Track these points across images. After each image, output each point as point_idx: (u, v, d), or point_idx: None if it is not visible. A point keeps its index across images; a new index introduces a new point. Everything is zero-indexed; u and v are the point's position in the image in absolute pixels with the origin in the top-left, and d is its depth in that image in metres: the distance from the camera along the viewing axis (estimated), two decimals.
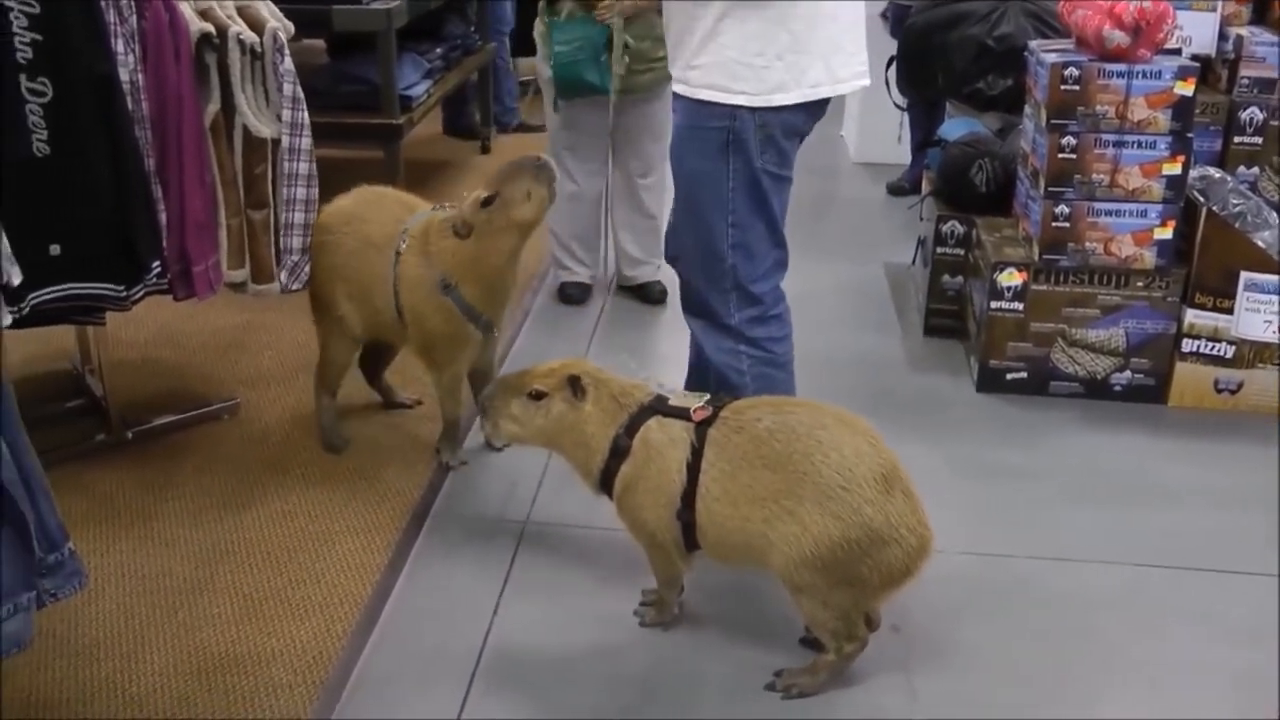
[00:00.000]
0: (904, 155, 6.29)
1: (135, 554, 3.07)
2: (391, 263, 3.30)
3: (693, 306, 3.07)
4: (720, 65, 2.79)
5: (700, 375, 3.12)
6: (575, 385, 2.62)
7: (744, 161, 2.85)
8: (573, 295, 4.72)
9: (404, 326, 3.34)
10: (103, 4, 2.94)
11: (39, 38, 2.81)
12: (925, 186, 4.86)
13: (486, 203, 3.16)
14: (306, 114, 3.29)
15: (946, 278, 4.40)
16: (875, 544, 2.37)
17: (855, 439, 2.42)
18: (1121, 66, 3.75)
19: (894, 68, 5.30)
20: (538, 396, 2.64)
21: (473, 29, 6.50)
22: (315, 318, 3.54)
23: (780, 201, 2.99)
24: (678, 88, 2.89)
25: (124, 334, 4.14)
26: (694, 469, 2.51)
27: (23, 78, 2.82)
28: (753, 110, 2.80)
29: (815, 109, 2.91)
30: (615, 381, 2.68)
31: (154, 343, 4.26)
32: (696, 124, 2.86)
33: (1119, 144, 3.80)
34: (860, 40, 2.93)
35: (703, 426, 2.52)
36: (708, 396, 2.62)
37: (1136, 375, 3.95)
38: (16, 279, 2.28)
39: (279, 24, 3.28)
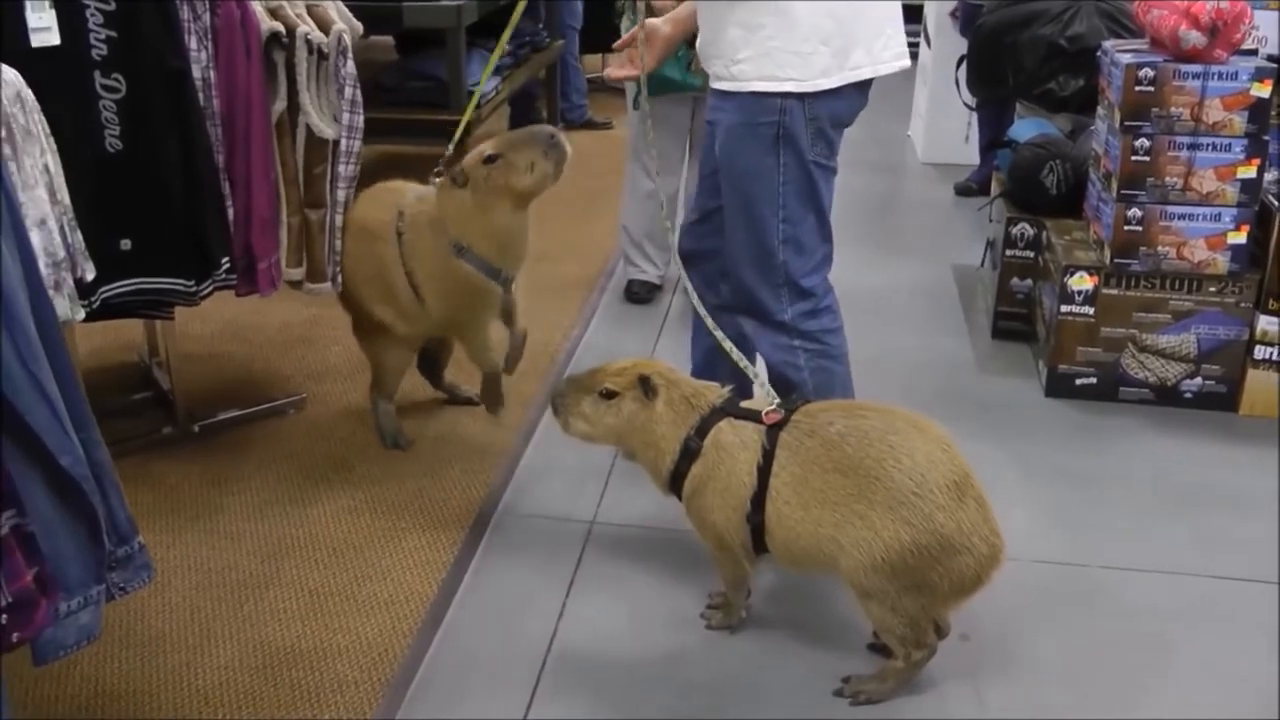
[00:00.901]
0: (972, 155, 6.23)
1: (201, 547, 3.09)
2: (395, 245, 3.30)
3: (743, 306, 3.02)
4: (765, 56, 2.77)
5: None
6: (647, 385, 2.61)
7: (795, 155, 2.83)
8: (639, 294, 4.71)
9: (423, 305, 3.32)
10: (177, 0, 2.97)
11: (114, 34, 2.84)
12: (994, 188, 4.81)
13: (489, 160, 3.16)
14: (362, 118, 3.30)
15: (1016, 280, 4.35)
16: (946, 551, 2.34)
17: (928, 445, 2.39)
18: (1197, 67, 3.68)
19: (963, 67, 5.24)
20: (609, 395, 2.63)
21: (541, 26, 6.52)
22: (356, 333, 3.57)
23: (828, 194, 2.99)
24: (721, 85, 2.87)
25: (191, 328, 4.17)
26: (765, 472, 2.49)
27: (97, 74, 2.85)
28: (801, 99, 2.78)
29: (858, 95, 2.90)
30: (687, 382, 2.67)
31: (221, 337, 4.29)
32: (748, 120, 2.83)
33: (1193, 146, 3.73)
34: (899, 23, 2.93)
35: (774, 429, 2.50)
36: (779, 400, 2.59)
37: (1208, 382, 3.88)
38: (90, 275, 2.31)
39: (345, 26, 3.29)
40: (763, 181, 2.86)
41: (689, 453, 2.59)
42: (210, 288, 3.17)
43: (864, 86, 2.90)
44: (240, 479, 3.40)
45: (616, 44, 3.29)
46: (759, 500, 2.50)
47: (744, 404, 2.60)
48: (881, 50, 2.87)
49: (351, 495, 3.32)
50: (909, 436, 2.40)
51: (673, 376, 2.66)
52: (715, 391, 2.64)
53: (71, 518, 2.10)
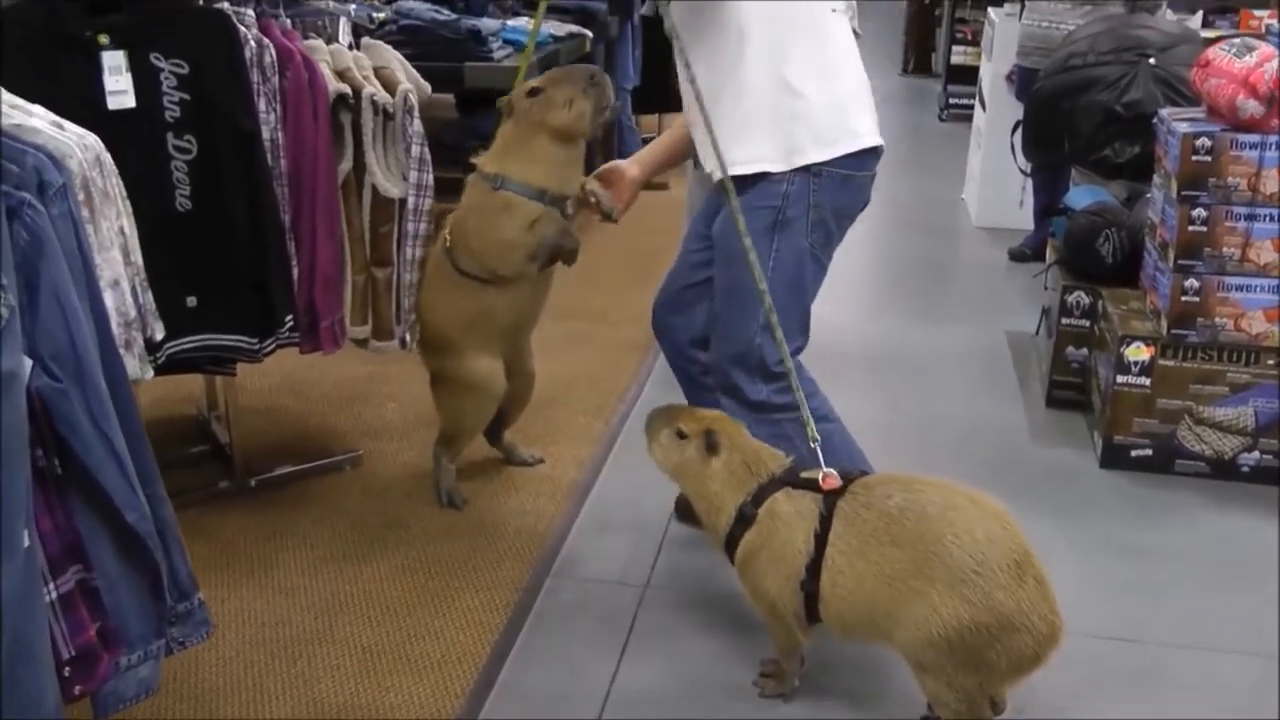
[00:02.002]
0: (1026, 220, 6.22)
1: (255, 601, 3.12)
2: (443, 247, 3.37)
3: (721, 384, 3.06)
4: (750, 145, 2.84)
5: None
6: (709, 439, 2.64)
7: (789, 242, 2.87)
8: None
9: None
10: (248, 63, 3.03)
11: (187, 97, 2.91)
12: (1049, 254, 4.80)
13: (531, 93, 3.22)
14: (431, 175, 3.35)
15: (1071, 349, 4.33)
16: (1005, 630, 2.32)
17: (988, 522, 2.38)
18: (1255, 137, 3.67)
19: (1019, 132, 5.25)
20: (681, 435, 2.70)
21: None
22: (436, 388, 3.57)
23: (815, 287, 3.01)
24: (729, 171, 2.90)
25: (249, 382, 4.22)
26: (821, 540, 2.50)
27: (169, 135, 2.92)
28: (801, 184, 2.83)
29: (858, 189, 2.94)
30: (752, 448, 2.68)
31: (279, 391, 4.34)
32: (748, 202, 2.86)
33: (1250, 217, 3.71)
34: (867, 105, 2.95)
35: (831, 497, 2.51)
36: (837, 468, 2.60)
37: (1265, 456, 3.84)
38: (160, 334, 2.35)
39: (411, 85, 3.35)
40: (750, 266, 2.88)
41: (744, 519, 2.60)
42: (273, 345, 3.22)
43: (863, 179, 2.93)
44: (295, 534, 3.44)
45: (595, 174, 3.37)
46: (814, 569, 2.50)
47: (804, 474, 2.61)
48: (856, 124, 2.90)
49: (405, 553, 3.34)
50: (969, 513, 2.39)
51: (740, 439, 2.68)
52: (777, 460, 2.66)
53: (135, 573, 2.14)
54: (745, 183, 2.86)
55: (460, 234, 3.34)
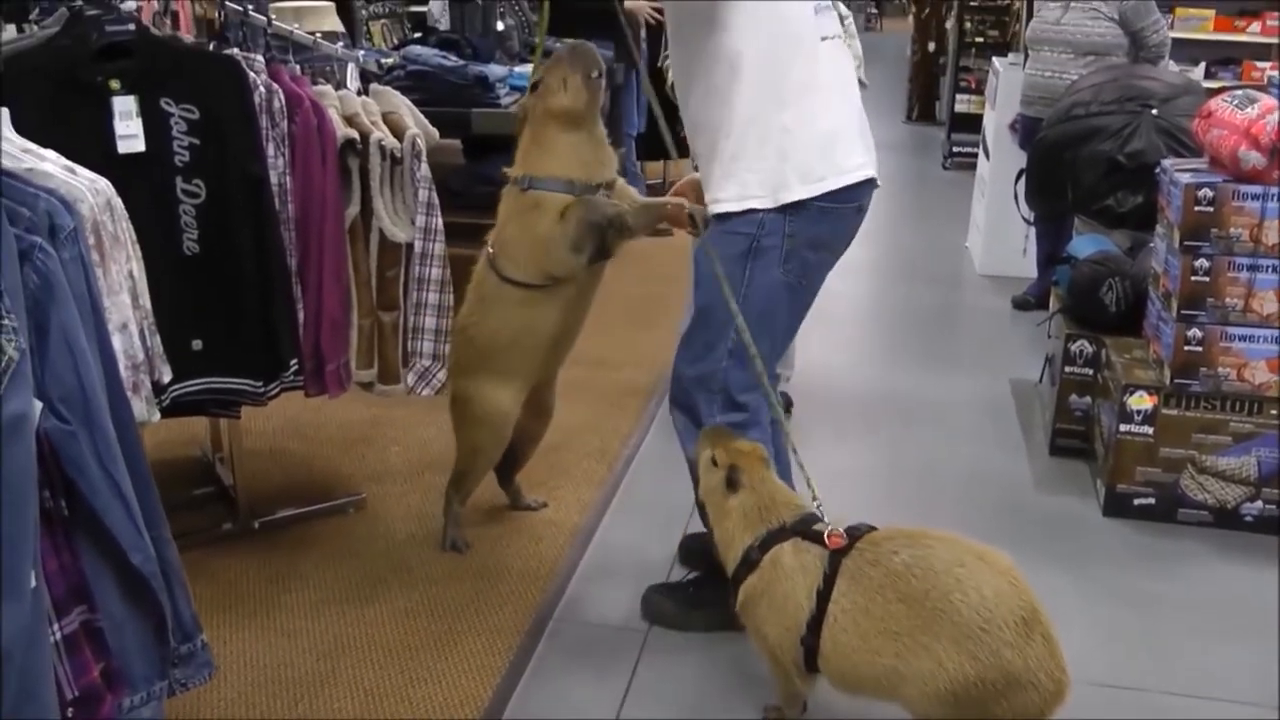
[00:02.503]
0: (1030, 269, 6.24)
1: (257, 643, 3.12)
2: (487, 261, 3.36)
3: (678, 401, 3.07)
4: (733, 177, 2.86)
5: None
6: (730, 476, 2.66)
7: (763, 271, 2.87)
8: None
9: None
10: (257, 108, 3.07)
11: (196, 142, 2.94)
12: (1053, 303, 4.82)
13: (533, 89, 3.25)
14: (440, 219, 3.37)
15: (1074, 397, 4.34)
16: (1011, 687, 2.31)
17: (996, 579, 2.37)
18: (1257, 189, 3.69)
19: (1022, 181, 5.28)
20: (714, 463, 2.71)
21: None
22: (456, 415, 3.53)
23: (790, 320, 3.02)
24: (711, 208, 2.93)
25: (254, 424, 4.23)
26: (824, 597, 2.49)
27: (179, 179, 2.95)
28: (781, 213, 2.84)
29: (839, 220, 2.93)
30: (771, 491, 2.68)
31: (283, 434, 4.35)
32: (725, 228, 2.90)
33: (1253, 268, 3.73)
34: (856, 131, 2.95)
35: (837, 555, 2.50)
36: (846, 525, 2.60)
37: (1269, 506, 3.83)
38: (167, 377, 2.37)
39: (419, 130, 3.38)
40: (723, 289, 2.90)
41: (747, 563, 2.61)
42: (278, 388, 3.23)
43: (844, 211, 2.93)
44: (298, 577, 3.44)
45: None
46: (815, 625, 2.50)
47: (818, 526, 2.60)
48: (845, 160, 2.90)
49: (408, 596, 3.34)
50: (976, 569, 2.37)
51: (761, 482, 2.69)
52: (792, 508, 2.65)
53: (139, 614, 2.14)
54: (729, 213, 2.88)
55: (501, 242, 3.33)
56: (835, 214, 2.90)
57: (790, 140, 2.81)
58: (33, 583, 1.75)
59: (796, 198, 2.83)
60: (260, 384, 3.18)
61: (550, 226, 3.22)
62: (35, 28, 3.05)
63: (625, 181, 3.43)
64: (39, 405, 1.80)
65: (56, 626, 1.98)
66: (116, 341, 2.24)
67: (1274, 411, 3.77)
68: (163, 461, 4.01)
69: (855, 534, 2.54)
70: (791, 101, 2.81)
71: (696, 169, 3.06)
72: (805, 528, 2.59)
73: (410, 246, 3.37)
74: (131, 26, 2.90)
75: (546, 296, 3.33)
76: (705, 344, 2.95)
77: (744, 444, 2.75)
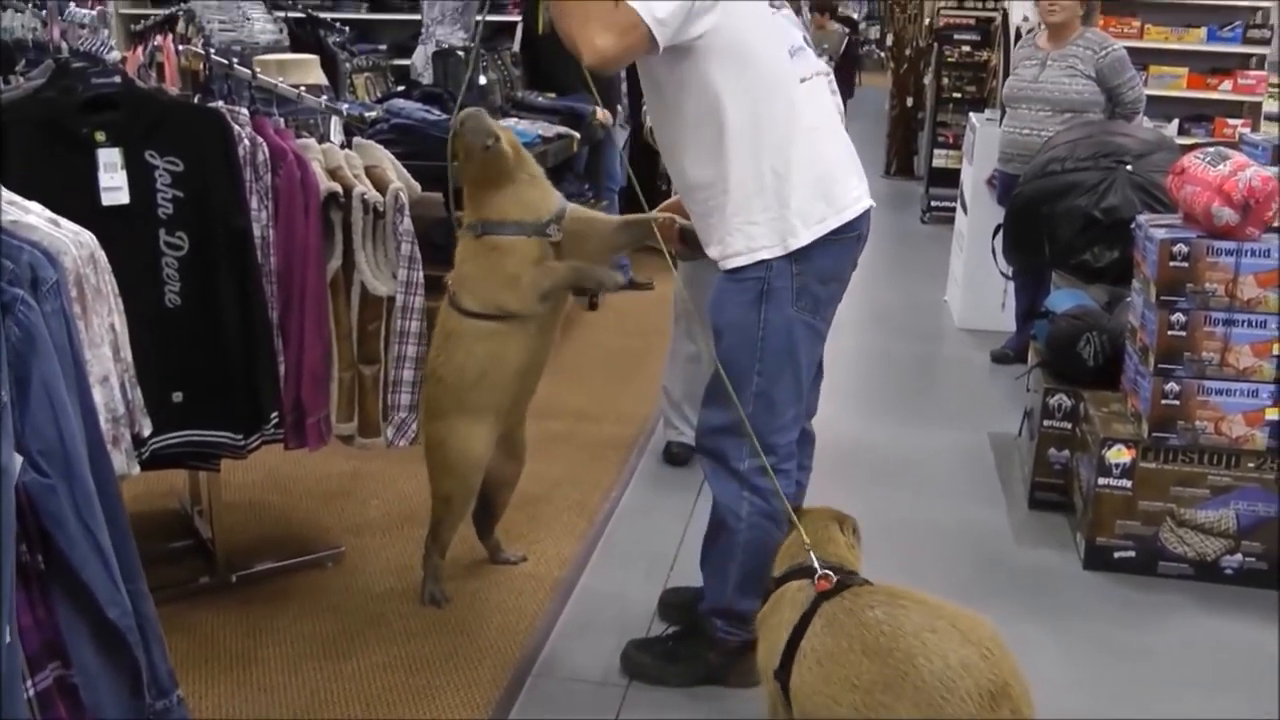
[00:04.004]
0: (1008, 323, 6.27)
1: (234, 698, 3.09)
2: (448, 300, 3.41)
3: (705, 446, 3.09)
4: (738, 230, 2.89)
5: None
6: (799, 513, 2.80)
7: (777, 311, 2.90)
8: (678, 455, 4.71)
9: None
10: (241, 161, 3.08)
11: (180, 194, 2.95)
12: (1031, 357, 4.84)
13: (452, 155, 3.37)
14: (421, 273, 3.39)
15: (1053, 451, 4.36)
16: None
17: (965, 648, 2.31)
18: (1231, 244, 3.73)
19: (1000, 236, 5.32)
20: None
21: (586, 186, 6.67)
22: (431, 457, 3.52)
23: (810, 356, 3.03)
24: (721, 264, 2.96)
25: (233, 477, 4.21)
26: (798, 632, 2.50)
27: (162, 232, 2.96)
28: (785, 259, 2.87)
29: (841, 249, 2.96)
30: (820, 539, 2.71)
31: (262, 487, 4.33)
32: (734, 279, 2.93)
33: (1229, 322, 3.76)
34: (848, 166, 3.00)
35: (821, 597, 2.51)
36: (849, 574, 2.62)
37: (1248, 559, 3.85)
38: (147, 430, 2.36)
39: (401, 185, 3.40)
40: (743, 335, 2.93)
41: (767, 593, 2.70)
42: (258, 441, 3.22)
43: (846, 241, 2.96)
44: (276, 631, 3.41)
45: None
46: (789, 659, 2.50)
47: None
48: (842, 196, 2.94)
49: (387, 651, 3.32)
50: (947, 636, 2.33)
51: (815, 529, 2.74)
52: (829, 549, 2.68)
53: (115, 670, 2.13)
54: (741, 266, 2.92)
55: (460, 279, 3.38)
56: (838, 246, 2.94)
57: (787, 186, 2.84)
58: (7, 638, 1.74)
59: (804, 242, 2.86)
60: (240, 437, 3.18)
61: (516, 267, 3.30)
62: (21, 79, 3.06)
63: (583, 207, 3.47)
64: (19, 459, 1.79)
65: (30, 683, 1.96)
66: (97, 394, 2.24)
67: (1252, 465, 3.79)
68: (140, 514, 3.99)
69: (846, 583, 2.54)
70: (780, 148, 2.84)
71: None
72: (825, 569, 2.61)
73: (392, 300, 3.38)
74: (117, 79, 2.92)
75: (508, 328, 3.36)
76: (730, 392, 2.96)
77: (832, 509, 2.84)
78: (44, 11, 4.69)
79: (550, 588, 3.68)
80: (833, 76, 3.12)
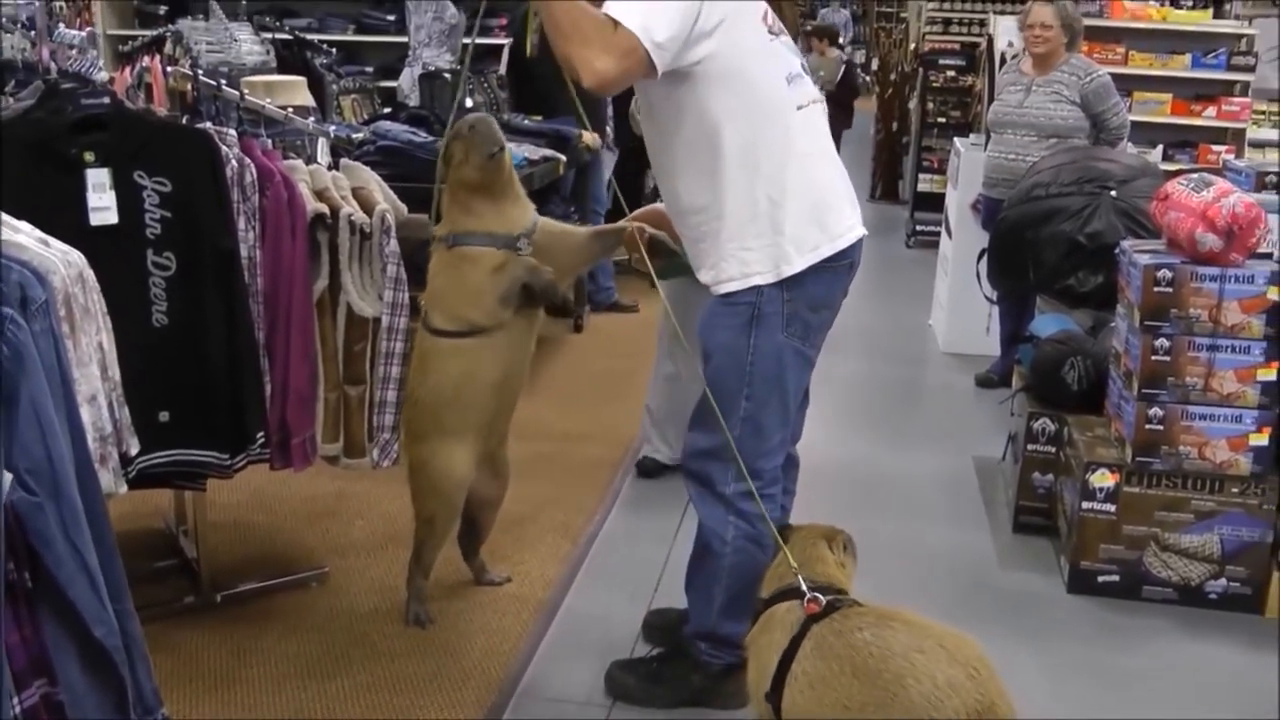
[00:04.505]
0: (993, 347, 6.29)
1: (219, 717, 3.08)
2: (422, 320, 3.43)
3: (691, 470, 3.10)
4: (731, 257, 2.90)
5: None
6: (783, 530, 2.81)
7: (767, 337, 2.91)
8: (649, 470, 4.76)
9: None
10: (229, 182, 3.08)
11: (168, 214, 2.96)
12: (1015, 381, 4.86)
13: (445, 159, 3.40)
14: (407, 295, 3.39)
15: (1037, 475, 4.37)
16: None
17: (953, 669, 2.33)
18: (1214, 270, 3.75)
19: (984, 260, 5.35)
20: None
21: (572, 209, 6.68)
22: (414, 479, 3.53)
23: (798, 382, 3.05)
24: (713, 289, 2.98)
25: (218, 497, 4.19)
26: (788, 656, 2.51)
27: (149, 252, 2.96)
28: (777, 285, 2.89)
29: (833, 277, 2.98)
30: (809, 560, 2.72)
31: (247, 507, 4.32)
32: (725, 303, 2.95)
33: (1213, 348, 3.78)
34: (842, 194, 3.02)
35: (811, 619, 2.52)
36: (837, 595, 2.62)
37: (1232, 584, 3.86)
38: (134, 449, 2.36)
39: (388, 206, 3.41)
40: (732, 360, 2.94)
41: (755, 614, 2.68)
42: (244, 461, 3.22)
43: (838, 269, 2.97)
44: (260, 651, 3.40)
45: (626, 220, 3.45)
46: (779, 682, 2.50)
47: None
48: (836, 223, 2.96)
49: (371, 671, 3.31)
50: (935, 657, 2.35)
51: (804, 548, 2.75)
52: (819, 576, 2.68)
53: (100, 688, 2.13)
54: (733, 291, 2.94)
55: (431, 296, 3.41)
56: (830, 274, 2.95)
57: (781, 213, 2.86)
58: None
59: (797, 269, 2.88)
60: (226, 456, 3.17)
61: (479, 278, 3.33)
62: (11, 100, 3.07)
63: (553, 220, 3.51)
64: (8, 477, 1.79)
65: (16, 700, 1.96)
66: (85, 413, 2.24)
67: (1236, 490, 3.81)
68: (125, 533, 3.95)
69: (836, 604, 2.55)
70: (776, 175, 2.85)
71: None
72: (815, 590, 2.61)
73: (377, 321, 3.39)
74: (106, 100, 2.93)
75: (480, 345, 3.38)
76: (718, 415, 2.97)
77: (822, 525, 2.84)
78: (33, 33, 4.71)
79: (535, 609, 3.67)
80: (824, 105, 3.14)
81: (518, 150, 5.71)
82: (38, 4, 4.94)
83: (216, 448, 3.16)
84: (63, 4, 8.08)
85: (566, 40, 2.66)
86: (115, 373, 2.43)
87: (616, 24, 2.62)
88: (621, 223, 3.46)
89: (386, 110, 6.66)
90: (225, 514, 4.22)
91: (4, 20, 4.73)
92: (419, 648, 3.44)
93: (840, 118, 9.74)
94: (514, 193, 3.44)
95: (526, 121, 6.61)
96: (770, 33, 2.90)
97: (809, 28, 14.18)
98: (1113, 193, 4.66)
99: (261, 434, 3.22)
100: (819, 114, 3.01)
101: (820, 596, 2.56)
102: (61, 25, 4.67)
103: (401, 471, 3.56)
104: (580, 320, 6.90)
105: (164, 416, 3.07)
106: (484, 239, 3.35)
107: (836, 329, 3.12)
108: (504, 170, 3.37)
